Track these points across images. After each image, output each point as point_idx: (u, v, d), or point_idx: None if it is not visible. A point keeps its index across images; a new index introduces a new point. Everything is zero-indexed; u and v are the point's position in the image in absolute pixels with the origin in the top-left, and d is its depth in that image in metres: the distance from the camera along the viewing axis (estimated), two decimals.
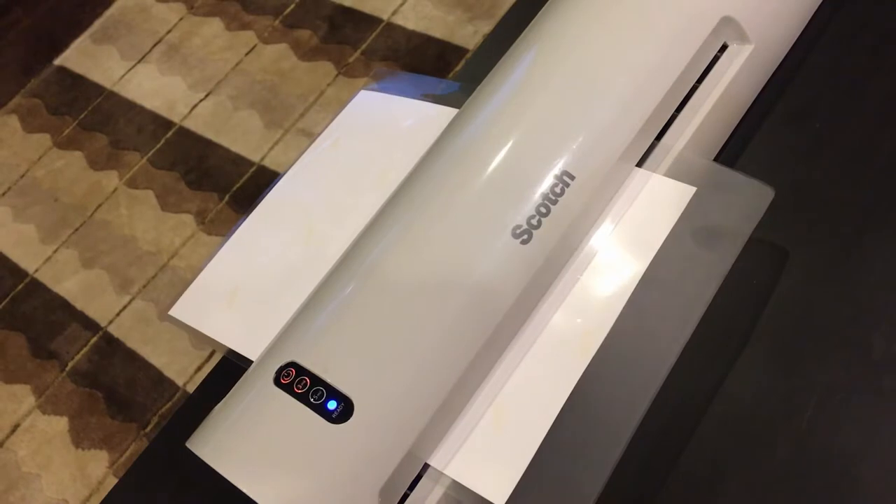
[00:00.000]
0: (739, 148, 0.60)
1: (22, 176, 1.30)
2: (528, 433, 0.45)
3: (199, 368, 1.00)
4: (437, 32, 1.19)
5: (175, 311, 0.59)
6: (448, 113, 0.58)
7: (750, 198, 0.48)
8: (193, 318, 0.58)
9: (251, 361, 0.52)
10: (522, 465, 0.44)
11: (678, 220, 0.49)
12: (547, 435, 0.45)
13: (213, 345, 0.56)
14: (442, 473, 0.46)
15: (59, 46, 1.45)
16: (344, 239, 0.54)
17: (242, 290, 0.58)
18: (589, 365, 0.46)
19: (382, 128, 0.63)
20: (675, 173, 0.51)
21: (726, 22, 0.53)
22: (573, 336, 0.47)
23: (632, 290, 0.47)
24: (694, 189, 0.49)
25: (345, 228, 0.56)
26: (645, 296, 0.47)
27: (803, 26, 0.60)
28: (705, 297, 0.46)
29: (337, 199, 0.60)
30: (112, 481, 0.92)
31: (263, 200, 0.62)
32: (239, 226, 0.61)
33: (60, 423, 1.01)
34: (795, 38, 0.60)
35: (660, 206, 0.50)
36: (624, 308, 0.47)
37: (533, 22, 0.57)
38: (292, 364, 0.47)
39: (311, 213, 0.60)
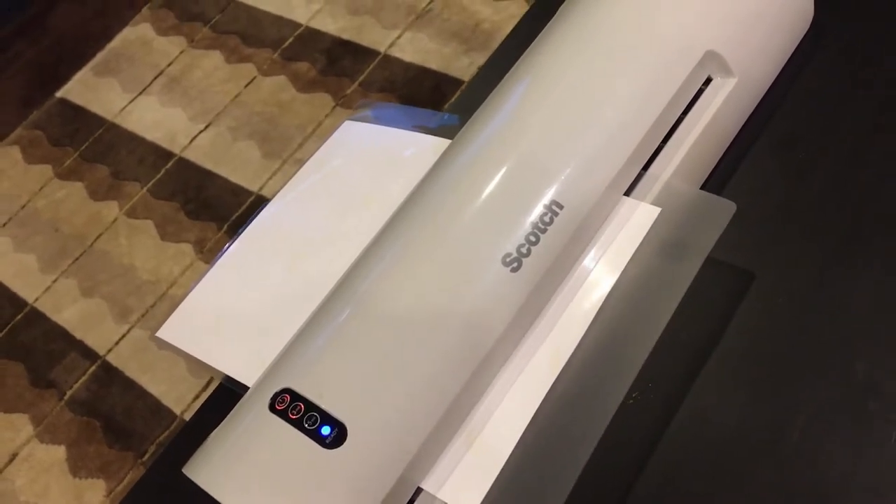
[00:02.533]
0: (727, 175, 0.61)
1: (23, 206, 1.31)
2: (497, 449, 0.47)
3: (196, 396, 1.01)
4: (434, 64, 1.22)
5: (163, 333, 0.60)
6: (430, 141, 0.60)
7: (713, 213, 0.51)
8: (180, 340, 0.59)
9: (242, 384, 0.53)
10: (490, 479, 0.46)
11: (643, 239, 0.51)
12: (514, 450, 0.47)
13: (201, 366, 0.57)
14: (435, 497, 0.47)
15: (61, 79, 1.48)
16: (329, 262, 0.56)
17: (230, 312, 0.59)
18: (554, 381, 0.48)
19: (365, 155, 0.65)
20: (645, 197, 0.53)
21: (710, 56, 0.55)
22: (542, 354, 0.50)
23: (597, 308, 0.50)
24: (658, 209, 0.51)
25: (330, 252, 0.58)
26: (609, 313, 0.50)
27: (786, 59, 0.62)
28: (668, 311, 0.48)
29: (321, 225, 0.62)
30: None
31: (250, 226, 0.63)
32: (226, 250, 0.62)
33: (58, 452, 1.01)
34: (779, 70, 0.62)
35: (626, 227, 0.52)
36: (589, 326, 0.49)
37: (522, 57, 0.58)
38: (287, 390, 0.48)
39: (296, 238, 0.62)
